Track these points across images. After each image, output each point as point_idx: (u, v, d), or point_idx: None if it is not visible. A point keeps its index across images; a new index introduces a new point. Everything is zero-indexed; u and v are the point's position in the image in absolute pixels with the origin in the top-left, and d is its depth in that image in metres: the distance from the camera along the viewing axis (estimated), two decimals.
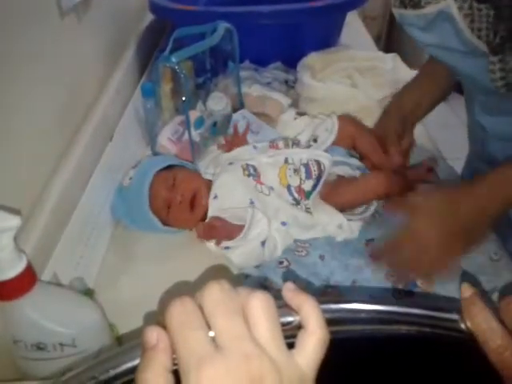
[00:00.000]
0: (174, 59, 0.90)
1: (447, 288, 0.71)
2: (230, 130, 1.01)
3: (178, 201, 0.80)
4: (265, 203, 0.79)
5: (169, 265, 0.80)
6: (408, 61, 1.18)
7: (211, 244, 0.79)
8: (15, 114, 0.66)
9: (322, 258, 0.77)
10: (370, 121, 1.05)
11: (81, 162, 0.78)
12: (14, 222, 0.46)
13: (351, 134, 0.89)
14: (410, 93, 0.95)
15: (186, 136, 1.01)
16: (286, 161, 0.82)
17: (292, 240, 0.80)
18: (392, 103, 0.96)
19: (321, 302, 0.36)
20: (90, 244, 0.77)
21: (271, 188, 0.80)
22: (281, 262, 0.77)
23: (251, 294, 0.34)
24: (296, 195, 0.79)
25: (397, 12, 0.77)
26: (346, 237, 0.78)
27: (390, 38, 3.00)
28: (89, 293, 0.64)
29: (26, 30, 0.70)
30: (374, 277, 0.73)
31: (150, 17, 1.30)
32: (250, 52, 1.22)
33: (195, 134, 1.00)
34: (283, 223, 0.78)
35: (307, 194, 0.79)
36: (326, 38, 1.27)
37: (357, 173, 0.85)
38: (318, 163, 0.81)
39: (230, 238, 0.77)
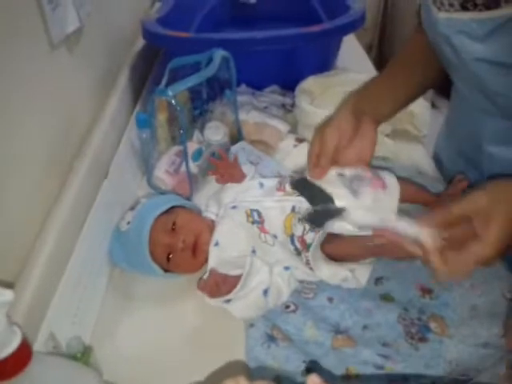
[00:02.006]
0: (170, 93, 0.87)
1: (461, 330, 0.68)
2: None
3: (179, 247, 0.76)
4: (267, 253, 0.76)
5: (169, 311, 0.77)
6: None
7: (210, 301, 0.75)
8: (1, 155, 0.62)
9: (330, 300, 0.74)
10: None
11: (75, 206, 0.74)
12: (6, 297, 0.42)
13: None
14: (378, 84, 0.83)
15: (184, 167, 0.98)
16: (293, 209, 0.78)
17: (297, 283, 0.77)
18: (352, 93, 0.82)
19: None
20: (87, 293, 0.73)
21: (275, 236, 0.77)
22: (287, 306, 0.74)
23: None
24: (298, 245, 0.76)
25: (443, 17, 0.66)
26: (353, 287, 0.75)
27: (382, 48, 3.00)
28: (87, 352, 0.60)
29: (14, 66, 0.67)
30: (386, 321, 0.70)
31: (141, 42, 1.27)
32: (246, 75, 1.20)
33: (193, 166, 0.98)
34: (286, 268, 0.76)
35: (308, 246, 0.76)
36: (323, 61, 1.25)
37: None
38: None
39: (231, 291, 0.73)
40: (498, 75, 0.67)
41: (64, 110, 0.83)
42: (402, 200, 0.83)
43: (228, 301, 0.73)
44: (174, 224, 0.78)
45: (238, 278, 0.73)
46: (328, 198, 0.64)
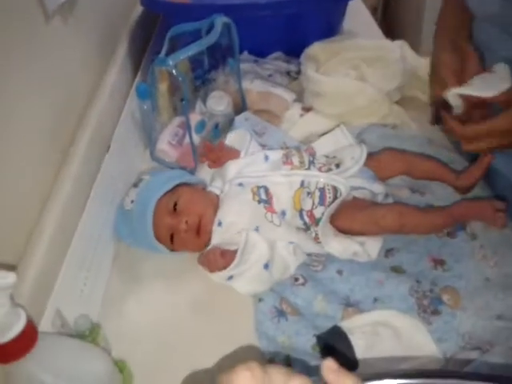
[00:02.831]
0: (171, 62, 0.84)
1: (474, 302, 0.67)
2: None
3: (182, 229, 0.75)
4: (272, 232, 0.74)
5: (177, 286, 0.76)
6: (407, 34, 1.10)
7: (216, 275, 0.74)
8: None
9: (339, 272, 0.72)
10: (379, 115, 1.00)
11: (77, 181, 0.73)
12: (9, 280, 0.41)
13: (400, 170, 0.84)
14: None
15: (187, 139, 0.95)
16: (303, 184, 0.76)
17: (304, 255, 0.76)
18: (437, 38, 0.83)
19: (368, 379, 0.32)
20: (93, 269, 0.72)
21: (283, 213, 0.75)
22: (296, 279, 0.72)
23: (288, 383, 0.29)
24: (307, 220, 0.74)
25: None
26: (363, 260, 0.73)
27: (386, 11, 2.91)
28: (95, 330, 0.59)
29: (9, 39, 0.64)
30: (397, 292, 0.69)
31: (140, 9, 1.22)
32: (248, 43, 1.15)
33: (197, 138, 0.95)
34: (290, 242, 0.74)
35: (317, 221, 0.74)
36: (329, 26, 1.20)
37: (379, 198, 0.80)
38: (335, 189, 0.76)
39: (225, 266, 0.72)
40: None
41: (62, 82, 0.80)
42: (422, 177, 0.82)
43: (230, 278, 0.72)
44: (175, 204, 0.76)
45: (236, 253, 0.72)
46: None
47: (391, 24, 2.67)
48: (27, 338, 0.44)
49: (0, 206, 0.58)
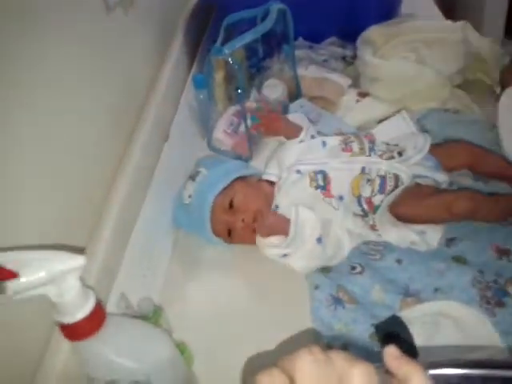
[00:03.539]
0: (226, 51, 0.84)
1: None
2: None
3: (239, 226, 0.76)
4: (330, 214, 0.74)
5: (234, 270, 0.78)
6: (469, 15, 1.05)
7: (271, 252, 0.75)
8: (65, 126, 0.62)
9: (399, 262, 0.71)
10: (439, 100, 0.96)
11: (139, 169, 0.75)
12: (78, 261, 0.43)
13: (467, 163, 0.81)
14: None
15: (242, 127, 0.96)
16: (363, 170, 0.75)
17: (360, 239, 0.75)
18: None
19: (430, 367, 0.31)
20: (154, 255, 0.75)
21: (340, 198, 0.74)
22: (353, 268, 0.72)
23: (351, 368, 0.29)
24: (365, 206, 0.74)
25: None
26: (423, 249, 0.71)
27: None
28: (157, 313, 0.62)
29: (72, 30, 0.66)
30: (459, 283, 0.67)
31: (195, 0, 1.23)
32: (302, 28, 1.15)
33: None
34: (347, 229, 0.74)
35: (376, 208, 0.73)
36: (386, 8, 1.16)
37: (442, 187, 0.78)
38: (397, 178, 0.74)
39: (280, 233, 0.74)
40: None
41: (122, 73, 0.83)
42: (486, 172, 0.79)
43: (285, 255, 0.73)
44: (232, 201, 0.77)
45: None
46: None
47: (452, 4, 2.55)
48: (96, 318, 0.46)
49: (69, 192, 0.61)
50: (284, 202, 0.77)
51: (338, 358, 0.31)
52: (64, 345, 0.52)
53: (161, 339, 0.53)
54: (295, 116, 0.90)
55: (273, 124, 0.87)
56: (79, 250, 0.54)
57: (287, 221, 0.74)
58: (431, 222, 0.73)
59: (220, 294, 0.74)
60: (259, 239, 0.76)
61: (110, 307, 0.60)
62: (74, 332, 0.46)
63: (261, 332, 0.66)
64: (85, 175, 0.66)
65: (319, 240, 0.72)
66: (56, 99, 0.61)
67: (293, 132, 0.85)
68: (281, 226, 0.74)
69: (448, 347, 0.60)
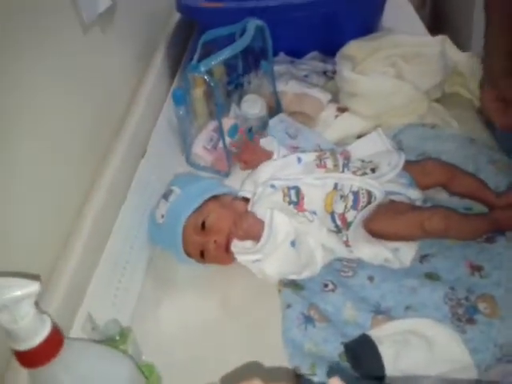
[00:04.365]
0: (202, 68, 0.85)
1: None
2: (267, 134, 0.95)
3: (211, 247, 0.76)
4: (304, 226, 0.74)
5: (208, 290, 0.77)
6: (458, 31, 1.05)
7: (243, 258, 0.75)
8: (36, 145, 0.62)
9: (371, 279, 0.71)
10: (417, 115, 0.97)
11: (113, 186, 0.75)
12: (32, 288, 0.43)
13: (441, 181, 0.81)
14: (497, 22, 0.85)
15: (221, 143, 0.96)
16: (336, 186, 0.75)
17: (333, 255, 0.75)
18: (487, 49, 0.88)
19: None
20: (127, 274, 0.74)
21: (314, 213, 0.74)
22: (326, 285, 0.72)
23: None
24: (339, 223, 0.73)
25: None
26: (396, 267, 0.71)
27: (436, 4, 2.80)
28: (124, 335, 0.61)
29: (47, 50, 0.66)
30: (431, 300, 0.66)
31: (177, 17, 1.24)
32: (284, 43, 1.16)
33: (230, 142, 0.96)
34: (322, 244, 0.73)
35: (349, 224, 0.73)
36: (366, 23, 1.17)
37: (417, 204, 0.78)
38: (369, 194, 0.74)
39: (255, 237, 0.74)
40: None
41: (100, 91, 0.83)
42: (460, 192, 0.79)
43: (257, 260, 0.73)
44: (204, 222, 0.77)
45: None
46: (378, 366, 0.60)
47: (440, 19, 2.57)
48: (52, 345, 0.45)
49: (36, 209, 0.61)
50: (259, 210, 0.77)
51: None
52: (21, 373, 0.51)
53: (123, 363, 0.52)
54: (263, 141, 0.91)
55: (251, 158, 0.88)
56: (34, 277, 0.54)
57: (263, 223, 0.74)
58: (404, 238, 0.73)
59: (193, 315, 0.73)
60: (234, 244, 0.76)
61: (76, 329, 0.60)
62: (29, 359, 0.45)
63: (231, 354, 0.65)
64: (57, 191, 0.66)
65: (293, 243, 0.72)
66: (30, 121, 0.61)
67: (265, 159, 0.85)
68: (257, 229, 0.74)
69: (417, 368, 0.60)
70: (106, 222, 0.72)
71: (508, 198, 0.75)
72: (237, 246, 0.76)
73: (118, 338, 0.60)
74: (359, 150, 0.85)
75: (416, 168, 0.80)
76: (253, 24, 0.94)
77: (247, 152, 0.89)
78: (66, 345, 0.47)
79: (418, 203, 0.78)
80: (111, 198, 0.74)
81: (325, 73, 1.16)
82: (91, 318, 0.61)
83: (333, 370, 0.59)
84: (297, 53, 1.19)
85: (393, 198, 0.76)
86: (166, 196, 0.81)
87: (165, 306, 0.75)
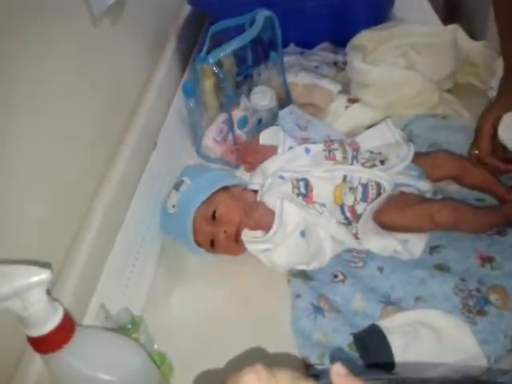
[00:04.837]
0: (211, 60, 0.85)
1: None
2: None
3: (222, 237, 0.76)
4: (314, 218, 0.73)
5: (219, 280, 0.77)
6: (473, 20, 1.04)
7: (253, 248, 0.75)
8: (51, 135, 0.63)
9: (380, 270, 0.71)
10: (428, 105, 0.96)
11: (124, 177, 0.76)
12: (43, 275, 0.44)
13: (452, 174, 0.80)
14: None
15: (231, 135, 0.96)
16: (345, 179, 0.75)
17: (342, 247, 0.75)
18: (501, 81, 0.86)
19: None
20: (138, 263, 0.75)
21: (323, 205, 0.74)
22: (335, 276, 0.72)
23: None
24: (348, 215, 0.73)
25: None
26: (405, 258, 0.71)
27: None
28: (136, 324, 0.62)
29: (58, 43, 0.67)
30: (441, 291, 0.66)
31: (187, 9, 1.24)
32: (294, 34, 1.15)
33: (240, 134, 0.96)
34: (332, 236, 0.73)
35: (359, 216, 0.73)
36: (377, 13, 1.16)
37: (427, 196, 0.77)
38: (379, 186, 0.74)
39: (265, 227, 0.74)
40: None
41: (111, 83, 0.83)
42: (471, 184, 0.79)
43: (267, 250, 0.73)
44: (214, 212, 0.77)
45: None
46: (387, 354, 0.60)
47: (455, 8, 2.53)
48: (64, 331, 0.46)
49: (49, 200, 0.62)
50: (269, 200, 0.77)
51: (283, 377, 0.31)
52: (37, 357, 0.52)
53: (134, 351, 0.53)
54: (266, 136, 0.90)
55: (254, 157, 0.88)
56: (45, 264, 0.55)
57: (273, 213, 0.74)
58: (414, 230, 0.73)
59: (203, 305, 0.74)
60: (245, 233, 0.77)
61: (89, 318, 0.61)
62: (43, 345, 0.46)
63: (241, 344, 0.66)
64: (69, 182, 0.67)
65: (302, 233, 0.72)
66: (43, 112, 0.62)
67: (270, 155, 0.85)
68: (267, 219, 0.74)
69: (426, 359, 0.60)
70: (117, 213, 0.73)
71: None
72: (247, 235, 0.76)
73: (129, 326, 0.61)
74: (368, 141, 0.84)
75: (426, 160, 0.79)
76: (262, 15, 0.94)
77: (248, 153, 0.89)
78: (78, 332, 0.48)
79: (428, 195, 0.77)
80: (122, 189, 0.75)
81: (335, 64, 1.15)
82: (104, 308, 0.62)
83: (335, 358, 0.59)
84: (307, 44, 1.19)
85: (403, 189, 0.76)
86: (176, 187, 0.81)
87: (176, 295, 0.76)
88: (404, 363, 0.59)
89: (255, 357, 0.64)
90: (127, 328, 0.62)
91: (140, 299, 0.74)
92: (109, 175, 0.75)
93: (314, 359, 0.61)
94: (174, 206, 0.79)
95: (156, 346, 0.67)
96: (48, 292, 0.45)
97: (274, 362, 0.64)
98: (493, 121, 0.79)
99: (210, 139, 0.99)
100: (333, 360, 0.59)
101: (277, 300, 0.72)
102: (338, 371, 0.31)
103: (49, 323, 0.45)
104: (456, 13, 2.34)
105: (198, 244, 0.78)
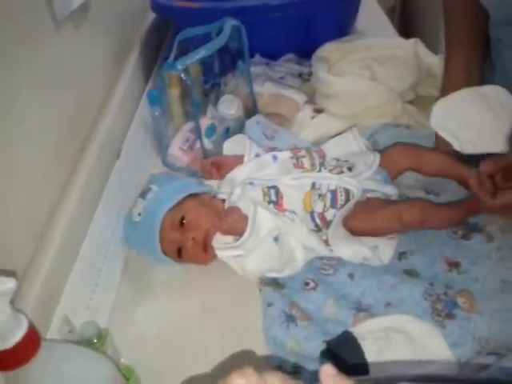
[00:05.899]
0: (179, 66, 0.84)
1: (490, 305, 0.65)
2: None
3: (189, 245, 0.75)
4: (285, 226, 0.73)
5: (186, 292, 0.75)
6: (425, 34, 1.08)
7: (224, 254, 0.74)
8: (10, 145, 0.60)
9: (351, 276, 0.71)
10: (392, 116, 0.98)
11: (86, 188, 0.73)
12: (8, 285, 0.41)
13: (410, 164, 0.81)
14: (456, 61, 0.87)
15: (198, 144, 0.95)
16: (313, 186, 0.76)
17: (314, 254, 0.74)
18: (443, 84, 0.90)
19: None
20: (103, 276, 0.72)
21: (294, 212, 0.74)
22: (307, 283, 0.71)
23: None
24: (318, 222, 0.74)
25: None
26: (376, 264, 0.72)
27: (405, 9, 2.87)
28: (103, 337, 0.59)
29: (18, 46, 0.64)
30: (411, 296, 0.67)
31: (152, 16, 1.23)
32: (260, 45, 1.15)
33: (207, 142, 0.95)
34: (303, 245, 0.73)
35: (328, 223, 0.73)
36: (341, 26, 1.19)
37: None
38: (347, 192, 0.75)
39: (238, 232, 0.73)
40: None
41: (73, 90, 0.81)
42: (432, 171, 0.80)
43: (239, 255, 0.72)
44: (182, 219, 0.75)
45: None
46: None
47: (410, 24, 2.63)
48: (29, 345, 0.44)
49: (10, 212, 0.59)
50: (241, 207, 0.76)
51: (272, 380, 0.30)
52: None
53: (102, 365, 0.51)
54: (231, 145, 0.90)
55: (218, 175, 0.86)
56: (10, 273, 0.51)
57: (246, 219, 0.74)
58: (384, 233, 0.74)
59: (171, 317, 0.72)
60: (216, 239, 0.75)
61: (52, 332, 0.58)
62: (6, 360, 0.43)
63: (211, 355, 0.64)
64: (30, 192, 0.64)
65: (276, 239, 0.72)
66: (2, 121, 0.59)
67: (236, 165, 0.84)
68: (241, 223, 0.73)
69: (399, 363, 0.60)
70: (80, 224, 0.70)
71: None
72: (218, 241, 0.75)
73: (95, 340, 0.58)
74: (334, 149, 0.85)
75: (384, 159, 0.80)
76: (229, 24, 0.94)
77: (215, 167, 0.87)
78: (43, 346, 0.45)
79: (394, 198, 0.78)
80: (85, 199, 0.72)
81: (300, 75, 1.16)
82: (68, 321, 0.59)
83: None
84: (273, 55, 1.20)
85: (369, 195, 0.77)
86: (143, 194, 0.79)
87: (142, 307, 0.74)
88: (378, 366, 0.59)
89: (235, 357, 0.63)
90: (93, 342, 0.59)
91: (105, 312, 0.72)
92: (71, 186, 0.72)
93: (287, 367, 0.60)
94: (139, 214, 0.77)
95: (122, 360, 0.64)
96: (11, 303, 0.43)
97: (256, 362, 0.62)
98: None
99: (177, 148, 0.97)
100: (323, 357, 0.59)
101: (248, 310, 0.71)
102: (327, 371, 0.31)
103: (13, 337, 0.42)
104: (410, 28, 2.44)
105: (165, 253, 0.76)
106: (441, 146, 0.83)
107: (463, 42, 0.87)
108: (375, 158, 0.79)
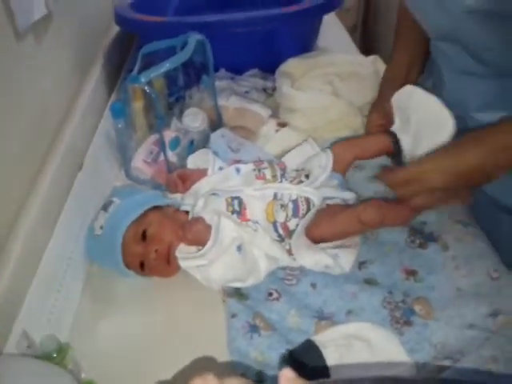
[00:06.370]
0: (143, 79, 0.84)
1: (446, 312, 0.67)
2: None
3: (152, 258, 0.74)
4: (249, 236, 0.74)
5: (148, 306, 0.75)
6: (385, 51, 1.13)
7: (188, 264, 0.74)
8: None
9: (313, 286, 0.72)
10: (352, 128, 1.01)
11: (47, 200, 0.72)
12: None
13: (354, 154, 0.83)
14: (399, 62, 0.94)
15: (162, 156, 0.95)
16: (275, 196, 0.77)
17: (277, 264, 0.75)
18: (384, 78, 0.97)
19: None
20: (63, 289, 0.71)
21: (257, 222, 0.75)
22: (270, 294, 0.72)
23: None
24: (281, 232, 0.75)
25: None
26: (337, 273, 0.73)
27: (366, 28, 2.96)
28: (63, 351, 0.58)
29: None
30: (370, 304, 0.69)
31: (116, 29, 1.23)
32: (225, 59, 1.17)
33: (171, 155, 0.95)
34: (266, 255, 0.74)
35: (291, 233, 0.74)
36: (303, 41, 1.22)
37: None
38: (308, 201, 0.76)
39: (202, 242, 0.73)
40: (486, 27, 0.66)
41: (35, 102, 0.80)
42: (373, 154, 0.83)
43: (203, 266, 0.72)
44: (145, 232, 0.75)
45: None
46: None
47: (371, 41, 2.72)
48: None
49: None
50: (205, 217, 0.77)
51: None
52: None
53: (61, 379, 0.50)
54: (195, 159, 0.91)
55: (182, 188, 0.86)
56: None
57: (210, 229, 0.74)
58: (345, 236, 0.76)
59: (133, 330, 0.71)
60: (179, 249, 0.75)
61: (10, 346, 0.56)
62: None
63: (175, 368, 0.64)
64: None
65: (239, 248, 0.72)
66: None
67: (200, 178, 0.85)
68: (204, 233, 0.73)
69: (360, 369, 0.61)
70: (40, 237, 0.69)
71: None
72: (181, 251, 0.75)
73: (55, 355, 0.57)
74: (293, 160, 0.87)
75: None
76: (194, 38, 0.95)
77: (180, 180, 0.87)
78: (1, 361, 0.44)
79: (351, 202, 0.81)
80: (46, 212, 0.71)
81: (264, 90, 1.19)
82: (27, 335, 0.58)
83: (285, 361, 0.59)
84: (237, 69, 1.22)
85: (328, 202, 0.79)
86: (105, 207, 0.78)
87: (104, 321, 0.73)
88: (339, 373, 0.60)
89: (196, 363, 0.63)
90: (52, 356, 0.58)
91: (66, 326, 0.70)
92: (31, 198, 0.71)
93: (251, 375, 0.61)
94: (101, 227, 0.76)
95: (84, 374, 0.63)
96: None
97: (217, 368, 0.62)
98: (376, 109, 0.89)
99: (140, 161, 0.97)
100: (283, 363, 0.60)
101: (211, 322, 0.70)
102: (286, 375, 0.31)
103: None
104: (371, 45, 2.53)
105: (128, 266, 0.75)
106: (380, 101, 0.89)
107: (407, 49, 0.94)
108: (328, 158, 0.81)
